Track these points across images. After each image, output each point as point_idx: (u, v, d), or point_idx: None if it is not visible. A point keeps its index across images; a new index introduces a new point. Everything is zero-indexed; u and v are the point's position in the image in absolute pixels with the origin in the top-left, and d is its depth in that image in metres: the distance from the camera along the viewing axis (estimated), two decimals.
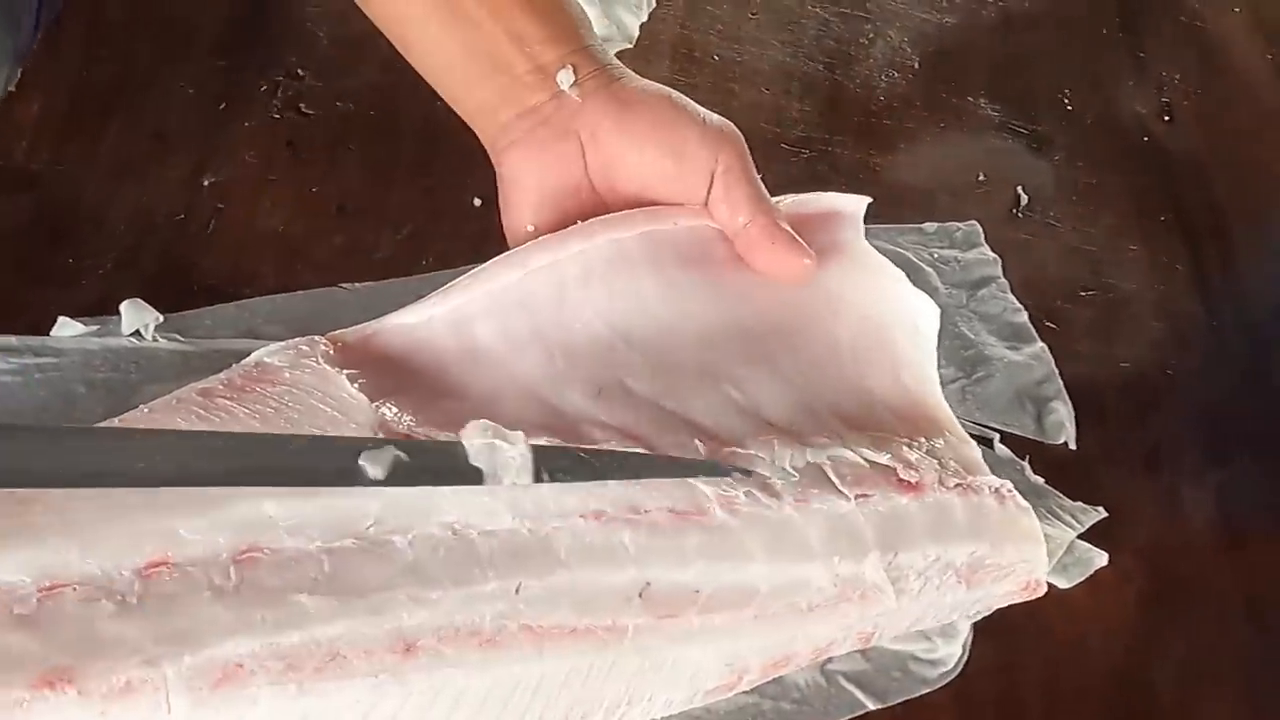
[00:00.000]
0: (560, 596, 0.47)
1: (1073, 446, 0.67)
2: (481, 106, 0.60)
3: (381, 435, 0.49)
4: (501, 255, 0.57)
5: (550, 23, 0.59)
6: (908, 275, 0.63)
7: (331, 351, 0.52)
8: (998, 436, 0.66)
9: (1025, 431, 0.67)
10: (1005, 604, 0.58)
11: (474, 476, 0.47)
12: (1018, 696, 0.58)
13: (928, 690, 0.56)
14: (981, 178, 0.80)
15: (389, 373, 0.52)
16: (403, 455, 0.45)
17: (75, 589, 0.42)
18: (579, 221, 0.58)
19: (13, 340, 0.59)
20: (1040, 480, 0.64)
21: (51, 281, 0.63)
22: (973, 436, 0.60)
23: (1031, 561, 0.57)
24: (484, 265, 0.56)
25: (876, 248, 0.63)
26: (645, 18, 0.83)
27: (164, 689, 0.41)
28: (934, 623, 0.57)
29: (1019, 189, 0.79)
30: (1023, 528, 0.57)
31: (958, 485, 0.56)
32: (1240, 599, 0.63)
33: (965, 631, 0.58)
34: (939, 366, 0.62)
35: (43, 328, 0.60)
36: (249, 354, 0.52)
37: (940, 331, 0.63)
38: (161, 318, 0.61)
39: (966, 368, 0.68)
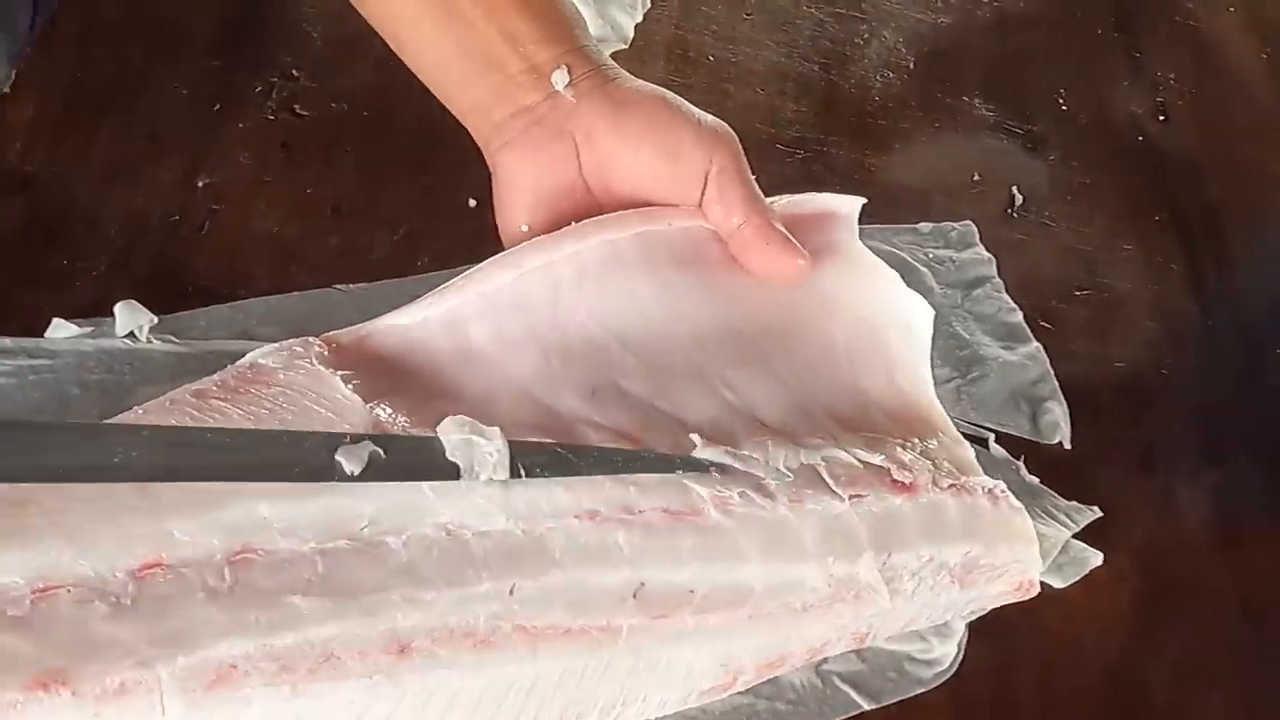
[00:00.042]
0: (554, 597, 0.47)
1: (1068, 446, 0.67)
2: (476, 106, 0.60)
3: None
4: (496, 256, 0.57)
5: (545, 23, 0.59)
6: (903, 275, 0.63)
7: (326, 353, 0.52)
8: (993, 436, 0.66)
9: (1020, 431, 0.67)
10: (999, 604, 0.58)
11: (451, 472, 0.47)
12: (1013, 696, 0.58)
13: (923, 690, 0.56)
14: (976, 178, 0.80)
15: (383, 374, 0.52)
16: (379, 451, 0.45)
17: (69, 590, 0.42)
18: (573, 222, 0.58)
19: (7, 342, 0.58)
20: (1035, 480, 0.64)
21: (45, 283, 0.63)
22: (968, 436, 0.61)
23: (1025, 562, 0.57)
24: (478, 266, 0.56)
25: (871, 248, 0.63)
26: (640, 18, 0.83)
27: (158, 690, 0.41)
28: (928, 623, 0.57)
29: (1014, 189, 0.79)
30: (1016, 528, 0.57)
31: (951, 486, 0.56)
32: (1235, 598, 0.63)
33: (960, 631, 0.58)
34: (934, 366, 0.62)
35: (37, 329, 0.59)
36: (243, 355, 0.52)
37: (935, 331, 0.63)
38: (156, 319, 0.61)
39: (962, 367, 0.68)
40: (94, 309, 0.61)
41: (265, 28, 0.77)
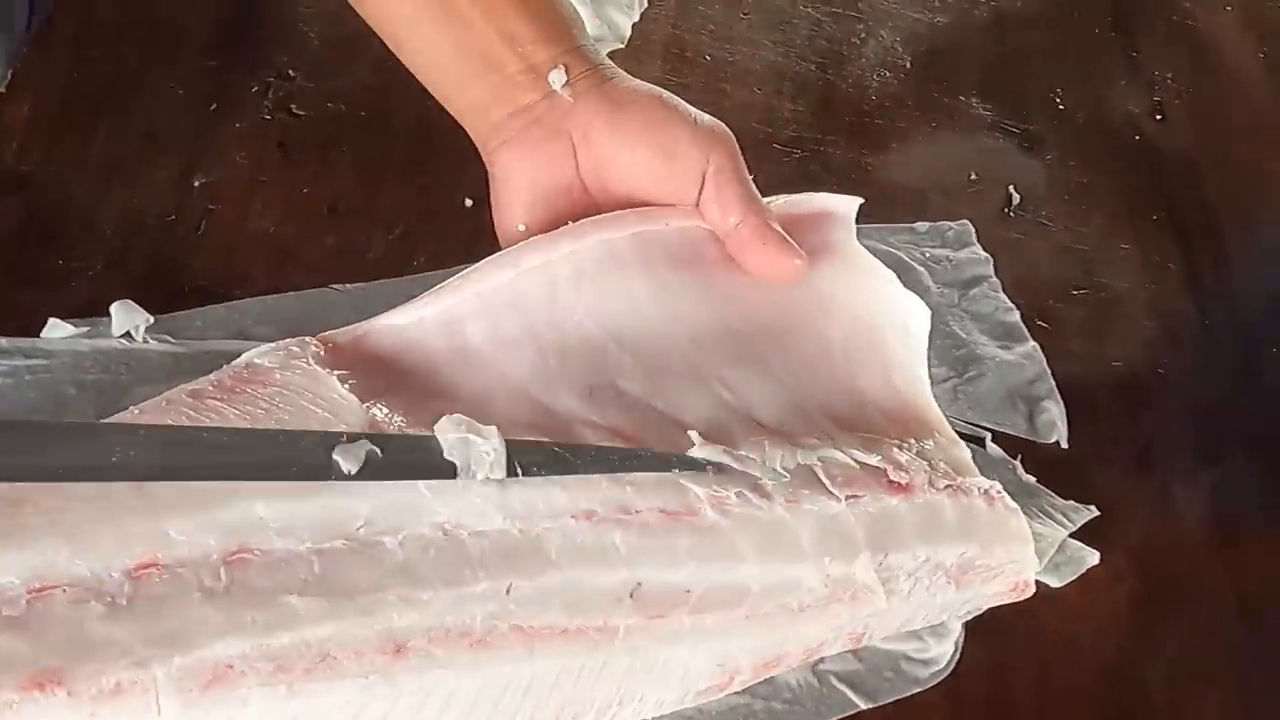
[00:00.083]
0: (551, 597, 0.47)
1: (1064, 445, 0.67)
2: (473, 105, 0.60)
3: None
4: (493, 256, 0.57)
5: (542, 22, 0.59)
6: (899, 274, 0.63)
7: (322, 352, 0.52)
8: (989, 436, 0.66)
9: (1017, 430, 0.67)
10: (994, 604, 0.58)
11: (448, 471, 0.47)
12: (1009, 696, 0.58)
13: (919, 690, 0.56)
14: (973, 177, 0.80)
15: (380, 373, 0.52)
16: (376, 450, 0.45)
17: (65, 590, 0.42)
18: (570, 221, 0.58)
19: (3, 342, 0.58)
20: (1032, 479, 0.64)
21: (41, 283, 0.63)
22: (964, 436, 0.61)
23: (1020, 562, 0.57)
24: (475, 266, 0.56)
25: (868, 247, 0.63)
26: (637, 17, 0.83)
27: (154, 690, 0.41)
28: (924, 623, 0.57)
29: (1011, 188, 0.79)
30: (1012, 529, 0.57)
31: (947, 487, 0.56)
32: (1232, 598, 0.63)
33: (957, 631, 0.58)
34: (931, 366, 0.62)
35: (33, 329, 0.59)
36: (239, 355, 0.52)
37: (932, 331, 0.63)
38: (152, 319, 0.60)
39: (958, 367, 0.68)
40: (90, 309, 0.61)
41: (262, 28, 0.77)
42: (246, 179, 0.69)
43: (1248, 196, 0.83)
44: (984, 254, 0.74)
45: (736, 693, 0.53)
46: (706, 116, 0.60)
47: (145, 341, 0.60)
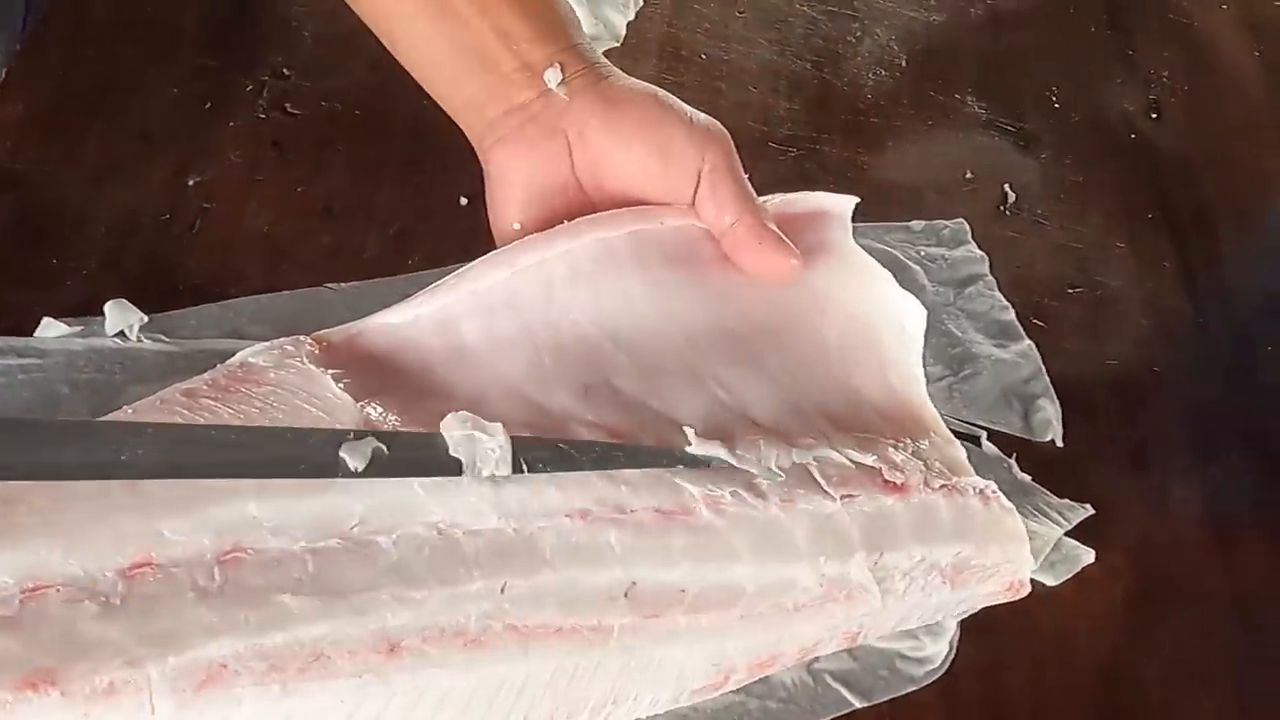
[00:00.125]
0: (545, 596, 0.47)
1: (1060, 444, 0.67)
2: (469, 103, 0.60)
3: None
4: (488, 254, 0.57)
5: (538, 21, 0.59)
6: (895, 273, 0.63)
7: (316, 351, 0.52)
8: (985, 434, 0.66)
9: (1012, 429, 0.67)
10: (990, 604, 0.58)
11: (453, 468, 0.47)
12: (1004, 694, 0.58)
13: (914, 688, 0.56)
14: (969, 175, 0.80)
15: (374, 372, 0.52)
16: (382, 447, 0.45)
17: (58, 590, 0.42)
18: (566, 220, 0.58)
19: None
20: (1027, 478, 0.64)
21: (35, 282, 0.62)
22: (960, 434, 0.61)
23: (1015, 562, 0.57)
24: (471, 264, 0.56)
25: (864, 246, 0.63)
26: (633, 16, 0.82)
27: (147, 690, 0.41)
28: (919, 623, 0.57)
29: (1006, 187, 0.79)
30: (1007, 529, 0.57)
31: (943, 486, 0.56)
32: (1228, 597, 0.63)
33: (952, 629, 0.58)
34: (926, 364, 0.62)
35: (27, 329, 0.59)
36: (234, 354, 0.52)
37: (927, 329, 0.63)
38: (146, 318, 0.60)
39: (954, 365, 0.68)
40: (84, 308, 0.61)
41: (256, 27, 0.77)
42: (241, 178, 0.69)
43: (1243, 195, 0.83)
44: (979, 252, 0.74)
45: (731, 692, 0.53)
46: (702, 115, 0.60)
47: (140, 341, 0.60)
